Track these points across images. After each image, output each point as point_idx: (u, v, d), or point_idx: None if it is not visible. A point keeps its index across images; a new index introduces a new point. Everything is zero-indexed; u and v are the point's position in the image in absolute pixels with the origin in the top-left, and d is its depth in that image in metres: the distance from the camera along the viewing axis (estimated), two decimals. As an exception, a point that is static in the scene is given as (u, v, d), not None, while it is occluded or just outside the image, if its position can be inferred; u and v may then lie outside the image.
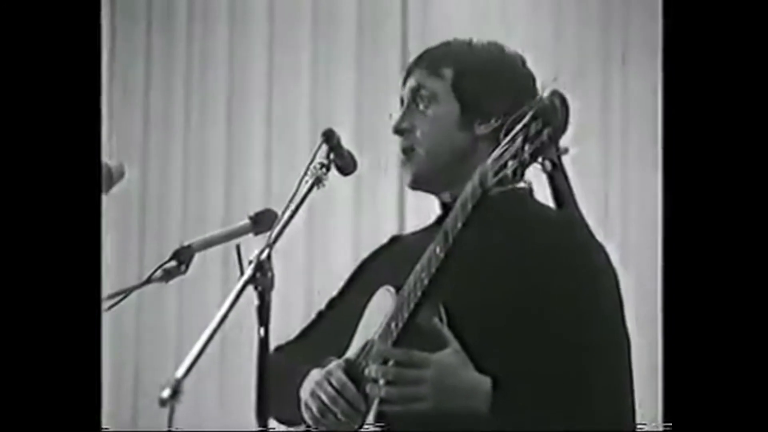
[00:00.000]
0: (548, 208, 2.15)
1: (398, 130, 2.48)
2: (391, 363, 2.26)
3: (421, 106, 2.46)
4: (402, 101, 2.50)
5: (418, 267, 2.28)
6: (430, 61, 2.48)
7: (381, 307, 2.40)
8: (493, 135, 2.34)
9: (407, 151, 2.46)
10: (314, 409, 2.39)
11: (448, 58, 2.47)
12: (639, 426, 2.30)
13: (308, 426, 2.46)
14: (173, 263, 2.46)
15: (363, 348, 2.41)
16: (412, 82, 2.48)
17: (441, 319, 2.29)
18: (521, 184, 2.07)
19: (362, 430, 2.32)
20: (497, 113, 2.39)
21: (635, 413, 2.30)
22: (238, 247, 2.17)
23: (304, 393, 2.42)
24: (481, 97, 2.43)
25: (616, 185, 4.67)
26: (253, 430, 2.00)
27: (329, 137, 2.38)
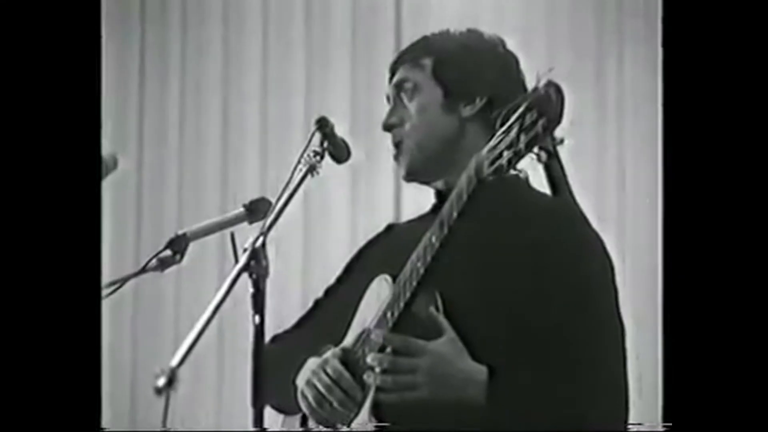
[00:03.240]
0: (544, 196, 2.16)
1: (387, 126, 2.50)
2: (386, 351, 2.27)
3: (406, 99, 2.48)
4: (389, 99, 2.52)
5: (413, 256, 2.28)
6: (410, 55, 2.52)
7: (377, 296, 2.41)
8: (481, 117, 2.39)
9: (398, 145, 2.48)
10: (310, 398, 2.39)
11: (427, 48, 2.50)
12: (639, 426, 2.31)
13: (304, 415, 2.46)
14: (168, 252, 2.47)
15: (359, 336, 2.41)
16: (395, 79, 2.51)
17: (437, 308, 2.30)
18: (517, 173, 2.07)
19: (365, 430, 2.33)
20: (481, 93, 2.43)
21: (629, 402, 2.30)
22: (232, 235, 2.17)
23: (301, 382, 2.42)
24: (462, 79, 2.45)
25: (612, 175, 4.66)
26: (250, 430, 2.01)
27: (322, 125, 2.39)
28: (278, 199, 2.23)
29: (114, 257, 4.77)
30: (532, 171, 2.12)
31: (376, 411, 2.30)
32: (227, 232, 2.33)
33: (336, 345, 2.45)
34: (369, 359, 2.28)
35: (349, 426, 2.36)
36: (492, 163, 2.07)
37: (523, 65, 2.51)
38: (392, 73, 2.53)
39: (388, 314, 2.32)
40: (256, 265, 2.04)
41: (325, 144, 2.38)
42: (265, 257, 2.06)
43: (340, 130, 2.42)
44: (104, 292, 2.37)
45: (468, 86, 2.44)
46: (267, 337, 2.06)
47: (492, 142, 2.08)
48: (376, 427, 2.30)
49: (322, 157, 2.36)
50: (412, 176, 2.49)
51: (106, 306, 2.30)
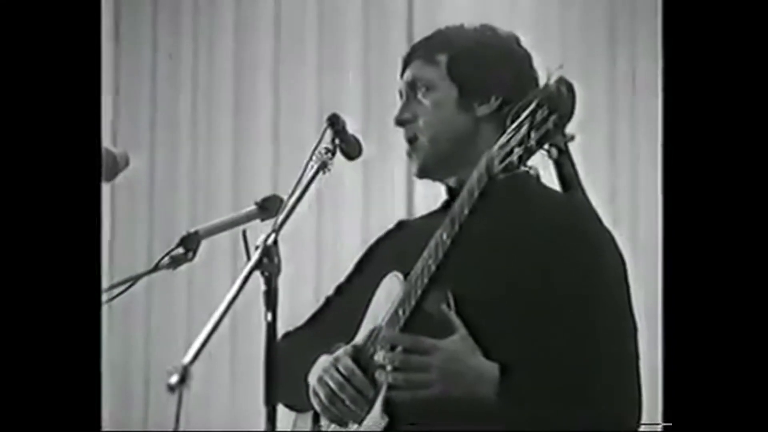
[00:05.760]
0: (556, 193, 2.15)
1: (400, 121, 2.48)
2: (398, 349, 2.27)
3: (420, 96, 2.47)
4: (401, 94, 2.51)
5: (425, 253, 2.28)
6: (424, 50, 2.50)
7: (389, 293, 2.41)
8: (495, 116, 2.38)
9: (411, 141, 2.47)
10: (322, 396, 2.40)
11: (441, 44, 2.48)
12: (638, 426, 2.31)
13: (316, 412, 2.46)
14: (180, 250, 2.47)
15: (370, 334, 2.41)
16: (408, 74, 2.50)
17: (449, 306, 2.29)
18: (528, 170, 2.07)
19: (371, 429, 2.33)
20: (496, 92, 2.42)
21: (641, 399, 2.30)
22: (244, 233, 2.18)
23: (312, 379, 2.43)
24: (477, 77, 2.44)
25: (623, 173, 4.66)
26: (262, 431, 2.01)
27: (334, 122, 2.39)
28: (290, 196, 2.23)
29: (126, 255, 4.79)
30: (543, 168, 2.12)
31: (388, 409, 2.30)
32: (239, 229, 2.33)
33: (347, 342, 2.45)
34: (380, 357, 2.28)
35: (360, 424, 2.36)
36: (503, 160, 2.06)
37: (536, 61, 2.50)
38: (405, 67, 2.51)
39: (400, 312, 2.32)
40: (268, 262, 2.04)
41: (337, 141, 2.38)
42: (277, 254, 2.06)
43: (352, 127, 2.42)
44: (116, 290, 2.38)
45: (483, 85, 2.43)
46: (279, 335, 2.07)
47: (502, 139, 2.07)
48: (388, 425, 2.30)
49: (333, 154, 2.36)
50: (424, 173, 2.49)
51: (118, 304, 2.31)
